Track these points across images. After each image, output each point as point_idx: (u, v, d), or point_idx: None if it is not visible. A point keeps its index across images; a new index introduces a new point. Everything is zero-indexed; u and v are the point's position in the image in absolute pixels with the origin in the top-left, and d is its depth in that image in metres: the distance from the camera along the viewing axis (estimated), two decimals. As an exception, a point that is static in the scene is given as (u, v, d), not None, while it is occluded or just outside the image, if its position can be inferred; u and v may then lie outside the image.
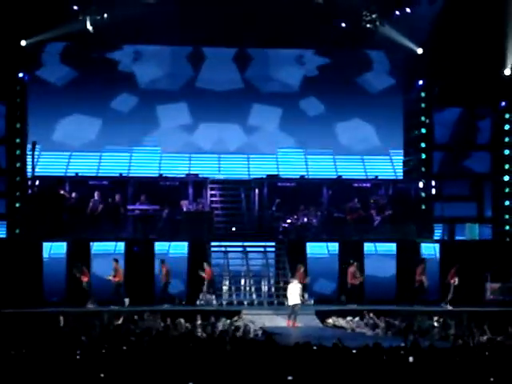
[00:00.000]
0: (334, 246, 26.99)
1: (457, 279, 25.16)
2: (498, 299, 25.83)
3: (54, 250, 26.16)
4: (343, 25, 28.11)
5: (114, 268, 24.77)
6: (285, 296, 24.53)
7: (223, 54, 29.36)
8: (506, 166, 28.67)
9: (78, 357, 13.34)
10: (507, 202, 28.48)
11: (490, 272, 26.06)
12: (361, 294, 25.84)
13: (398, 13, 27.66)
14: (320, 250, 27.40)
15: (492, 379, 11.97)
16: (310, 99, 29.54)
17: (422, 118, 28.90)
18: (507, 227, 28.34)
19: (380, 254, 27.27)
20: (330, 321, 23.33)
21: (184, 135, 29.20)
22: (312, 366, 12.67)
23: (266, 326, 22.05)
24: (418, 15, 27.33)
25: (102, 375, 11.90)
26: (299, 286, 23.33)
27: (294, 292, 23.11)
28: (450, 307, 24.76)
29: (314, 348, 14.20)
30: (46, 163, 28.30)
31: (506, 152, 28.74)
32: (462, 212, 28.71)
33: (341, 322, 23.16)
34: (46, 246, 25.89)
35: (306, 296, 24.83)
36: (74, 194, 26.46)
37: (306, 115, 29.53)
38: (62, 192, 26.37)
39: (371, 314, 22.99)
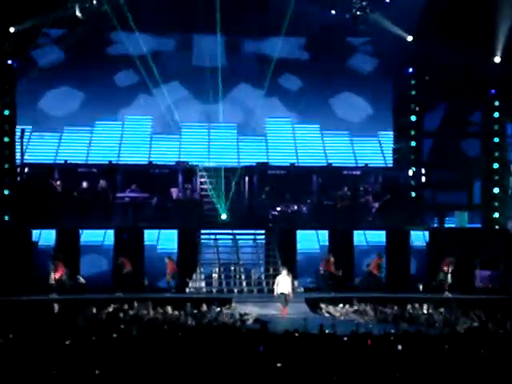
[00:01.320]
0: (324, 235, 27.01)
1: (450, 268, 25.21)
2: (488, 287, 25.92)
3: (44, 237, 26.11)
4: (333, 12, 28.12)
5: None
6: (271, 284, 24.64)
7: (212, 40, 29.26)
8: (496, 154, 28.71)
9: (67, 343, 13.32)
10: (497, 190, 28.52)
11: (480, 259, 26.14)
12: (351, 282, 25.89)
13: (388, 0, 27.65)
14: (310, 238, 27.43)
15: (480, 366, 12.00)
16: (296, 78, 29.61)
17: (412, 106, 28.92)
18: (496, 214, 28.38)
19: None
20: (322, 308, 23.36)
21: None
22: (301, 353, 12.70)
23: (256, 313, 22.05)
24: (409, 3, 27.29)
25: (96, 370, 11.87)
26: (289, 278, 23.35)
27: (283, 283, 23.15)
28: (449, 295, 24.77)
29: (302, 335, 14.24)
30: (35, 149, 28.22)
31: (496, 140, 28.78)
32: (452, 200, 28.79)
33: (331, 309, 23.19)
34: (36, 233, 25.82)
35: (296, 284, 24.83)
36: (58, 183, 26.35)
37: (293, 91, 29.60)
38: (52, 182, 26.26)
39: (356, 302, 23.05)
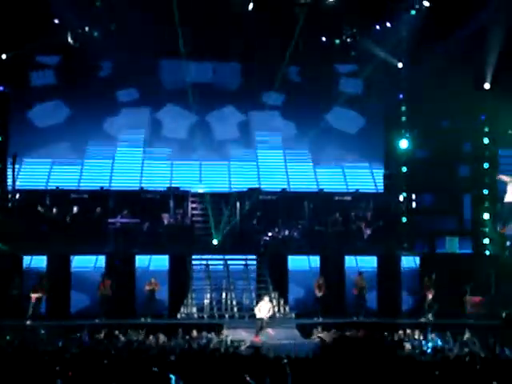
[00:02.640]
0: (316, 260, 27.04)
1: (430, 292, 25.27)
2: (478, 312, 25.94)
3: (34, 263, 26.05)
4: (324, 39, 28.36)
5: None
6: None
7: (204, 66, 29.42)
8: (486, 180, 28.84)
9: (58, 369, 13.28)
10: (487, 216, 28.63)
11: (470, 285, 26.18)
12: (342, 307, 25.89)
13: (378, 27, 27.90)
14: (301, 263, 27.45)
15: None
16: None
17: (403, 131, 29.10)
18: (486, 240, 28.46)
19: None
20: (314, 334, 23.36)
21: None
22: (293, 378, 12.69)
23: (248, 339, 22.03)
24: (398, 30, 27.55)
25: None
26: (270, 304, 23.45)
27: (263, 308, 23.26)
28: (430, 318, 24.83)
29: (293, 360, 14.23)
30: (26, 175, 28.23)
31: (486, 165, 28.93)
32: (442, 225, 28.89)
33: (323, 335, 23.17)
34: (27, 259, 25.78)
35: (288, 309, 24.85)
36: (54, 210, 26.34)
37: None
38: (40, 209, 26.24)
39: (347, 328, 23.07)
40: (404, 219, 28.51)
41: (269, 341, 22.47)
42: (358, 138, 29.87)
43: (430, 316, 25.12)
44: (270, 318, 23.37)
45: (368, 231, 27.26)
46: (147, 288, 24.83)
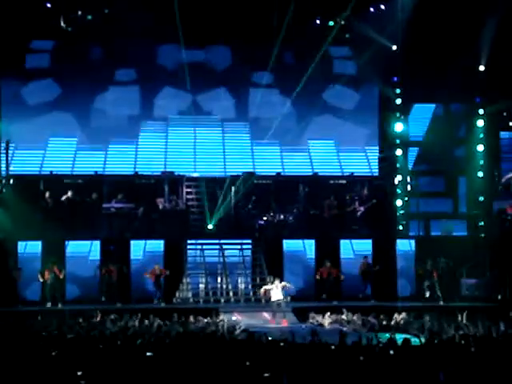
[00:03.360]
0: (311, 244, 27.04)
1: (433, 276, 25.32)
2: (474, 295, 25.99)
3: (29, 248, 26.01)
4: (318, 22, 28.23)
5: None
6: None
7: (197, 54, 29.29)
8: (481, 162, 28.80)
9: (53, 354, 13.26)
10: (481, 198, 28.61)
11: (466, 268, 26.22)
12: (338, 291, 25.91)
13: (372, 10, 27.77)
14: (296, 247, 27.46)
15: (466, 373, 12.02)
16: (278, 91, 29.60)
17: (398, 114, 29.03)
18: (482, 223, 28.46)
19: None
20: (310, 317, 23.38)
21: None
22: (289, 363, 12.67)
23: (243, 323, 22.02)
24: (393, 12, 27.41)
25: (79, 373, 11.83)
26: (281, 284, 23.44)
27: (275, 289, 23.26)
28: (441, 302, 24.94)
29: (290, 344, 14.22)
30: (20, 160, 28.13)
31: (481, 148, 28.87)
32: (438, 208, 28.88)
33: (319, 318, 23.19)
34: (21, 244, 25.74)
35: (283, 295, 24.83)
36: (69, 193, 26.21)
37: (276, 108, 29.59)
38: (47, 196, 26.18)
39: (344, 311, 23.09)
40: (399, 202, 28.47)
41: (265, 324, 22.50)
42: (352, 121, 29.74)
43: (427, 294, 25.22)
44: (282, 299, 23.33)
45: (362, 209, 27.22)
46: (152, 274, 24.82)
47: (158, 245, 26.40)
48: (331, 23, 28.10)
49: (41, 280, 24.53)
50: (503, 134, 29.38)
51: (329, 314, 23.20)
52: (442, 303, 24.87)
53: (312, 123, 29.49)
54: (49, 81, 28.51)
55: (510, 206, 25.74)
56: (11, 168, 26.60)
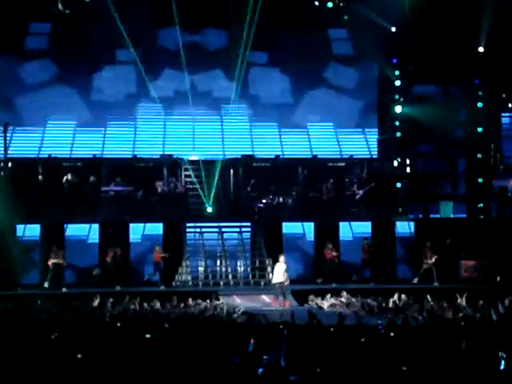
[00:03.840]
0: (310, 226, 27.03)
1: (431, 258, 25.28)
2: (472, 276, 26.02)
3: (28, 232, 26.00)
4: (316, 3, 28.12)
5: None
6: (262, 276, 24.78)
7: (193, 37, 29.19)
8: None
9: (53, 337, 13.26)
10: (481, 180, 28.59)
11: (464, 250, 26.23)
12: (338, 273, 25.91)
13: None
14: (296, 229, 27.45)
15: (463, 353, 12.03)
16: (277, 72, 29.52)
17: (397, 96, 28.94)
18: (481, 205, 28.45)
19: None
20: (309, 300, 23.38)
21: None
22: (288, 345, 12.67)
23: (242, 306, 22.03)
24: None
25: (79, 355, 11.83)
26: (284, 266, 23.37)
27: (278, 271, 23.21)
28: (436, 284, 24.91)
29: (289, 327, 14.22)
30: (18, 143, 28.08)
31: (480, 130, 28.83)
32: (437, 190, 28.88)
33: (318, 301, 23.20)
34: (20, 228, 25.71)
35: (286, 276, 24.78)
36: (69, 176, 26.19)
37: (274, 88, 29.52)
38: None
39: (344, 294, 23.11)
40: (398, 184, 28.44)
41: (265, 307, 22.50)
42: (352, 103, 29.69)
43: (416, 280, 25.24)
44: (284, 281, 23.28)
45: (360, 192, 27.20)
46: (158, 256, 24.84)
47: (157, 228, 26.37)
48: (330, 5, 27.98)
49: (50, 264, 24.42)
50: (503, 116, 29.33)
51: (328, 296, 23.20)
52: (436, 285, 24.84)
53: (311, 105, 29.43)
54: (46, 61, 28.45)
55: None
56: (9, 151, 26.53)
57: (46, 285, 24.19)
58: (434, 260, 25.27)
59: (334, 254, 25.42)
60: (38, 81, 28.43)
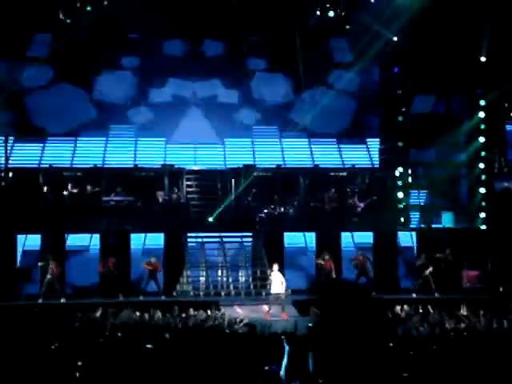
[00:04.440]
0: (312, 237, 26.92)
1: (427, 269, 25.17)
2: (475, 287, 25.94)
3: (29, 242, 25.91)
4: (318, 13, 28.16)
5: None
6: (263, 286, 24.68)
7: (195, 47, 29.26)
8: (482, 154, 28.72)
9: (53, 347, 13.20)
10: (483, 190, 28.53)
11: (467, 260, 26.14)
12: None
13: (373, 1, 27.68)
14: (297, 240, 27.35)
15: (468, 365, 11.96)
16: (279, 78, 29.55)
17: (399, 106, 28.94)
18: (483, 215, 28.38)
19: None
20: (311, 311, 23.24)
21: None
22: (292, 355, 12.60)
23: (243, 317, 21.92)
24: (394, 2, 27.33)
25: (80, 363, 11.78)
26: (279, 274, 23.27)
27: (275, 281, 23.11)
28: (437, 295, 24.79)
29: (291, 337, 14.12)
30: (19, 153, 28.07)
31: (482, 139, 28.78)
32: (439, 200, 28.83)
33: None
34: (21, 238, 25.63)
35: (285, 285, 24.66)
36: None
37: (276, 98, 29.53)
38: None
39: None
40: (400, 194, 28.38)
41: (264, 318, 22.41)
42: (353, 113, 29.70)
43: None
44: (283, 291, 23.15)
45: (362, 205, 27.13)
46: (147, 267, 24.66)
47: (158, 238, 26.29)
48: (331, 14, 28.02)
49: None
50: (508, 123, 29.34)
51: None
52: (437, 295, 24.73)
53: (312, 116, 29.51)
54: (47, 68, 28.54)
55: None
56: (10, 161, 26.51)
57: (40, 300, 23.90)
58: (428, 271, 25.14)
59: (321, 262, 25.19)
60: (37, 86, 28.46)
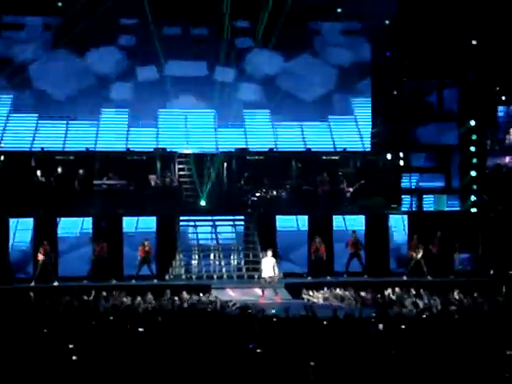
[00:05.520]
0: (304, 220, 26.98)
1: (419, 252, 25.22)
2: (467, 269, 26.07)
3: (21, 225, 25.91)
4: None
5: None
6: (256, 269, 24.74)
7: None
8: (474, 137, 28.76)
9: (45, 331, 13.23)
10: (474, 173, 28.59)
11: (459, 242, 26.25)
12: (330, 267, 25.89)
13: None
14: (289, 223, 27.41)
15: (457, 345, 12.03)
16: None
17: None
18: (474, 198, 28.44)
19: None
20: (303, 294, 23.37)
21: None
22: (282, 338, 12.65)
23: (236, 300, 22.00)
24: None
25: (71, 346, 11.81)
26: (273, 260, 23.36)
27: (267, 265, 23.18)
28: (429, 278, 24.89)
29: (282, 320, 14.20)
30: (11, 135, 28.02)
31: (473, 123, 28.81)
32: (430, 183, 28.88)
33: (312, 294, 23.20)
34: (13, 221, 25.63)
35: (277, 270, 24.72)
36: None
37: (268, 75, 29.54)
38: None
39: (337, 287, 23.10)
40: (392, 178, 28.41)
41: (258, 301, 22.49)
42: (345, 97, 29.69)
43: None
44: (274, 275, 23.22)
45: (350, 189, 27.17)
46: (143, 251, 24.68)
47: (150, 221, 26.31)
48: None
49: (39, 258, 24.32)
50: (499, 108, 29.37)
51: (324, 289, 23.18)
52: (429, 278, 24.83)
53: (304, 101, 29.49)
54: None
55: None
56: (1, 145, 26.45)
57: (32, 283, 23.92)
58: (420, 254, 25.24)
59: (315, 247, 25.33)
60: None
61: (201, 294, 22.35)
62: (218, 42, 28.45)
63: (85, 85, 28.60)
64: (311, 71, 29.49)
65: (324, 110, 29.60)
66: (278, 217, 26.57)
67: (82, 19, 27.12)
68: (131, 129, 28.94)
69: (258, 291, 23.64)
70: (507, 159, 28.37)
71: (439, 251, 25.51)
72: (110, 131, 28.80)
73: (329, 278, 25.03)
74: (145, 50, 28.58)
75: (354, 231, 26.12)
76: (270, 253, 23.49)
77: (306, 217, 26.69)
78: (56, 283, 23.95)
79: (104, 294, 21.62)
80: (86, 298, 21.16)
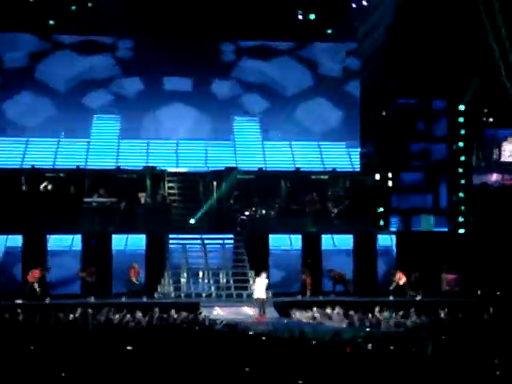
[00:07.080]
0: (296, 239, 27.05)
1: (400, 280, 25.40)
2: (454, 290, 26.16)
3: (10, 242, 25.91)
4: (300, 17, 28.34)
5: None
6: (244, 288, 24.79)
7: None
8: (462, 158, 28.95)
9: (32, 348, 13.24)
10: (462, 194, 28.75)
11: (446, 263, 26.35)
12: (318, 286, 25.95)
13: (354, 5, 27.87)
14: (281, 242, 27.45)
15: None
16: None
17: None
18: (461, 218, 28.60)
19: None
20: (292, 313, 23.40)
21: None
22: (271, 357, 12.72)
23: (224, 318, 22.03)
24: (374, 9, 27.55)
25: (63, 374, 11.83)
26: (266, 280, 23.42)
27: (260, 286, 23.24)
28: (419, 297, 25.02)
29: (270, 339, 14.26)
30: (1, 154, 28.10)
31: (461, 144, 29.02)
32: (418, 203, 29.03)
33: (299, 314, 23.24)
34: (2, 238, 25.62)
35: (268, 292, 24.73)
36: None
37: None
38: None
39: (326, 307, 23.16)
40: (380, 198, 28.55)
41: (247, 319, 22.52)
42: (334, 117, 29.92)
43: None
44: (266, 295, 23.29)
45: (335, 210, 27.31)
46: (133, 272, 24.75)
47: (140, 239, 26.33)
48: (312, 16, 28.22)
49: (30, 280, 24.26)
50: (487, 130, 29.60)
51: (314, 309, 23.24)
52: (419, 298, 24.95)
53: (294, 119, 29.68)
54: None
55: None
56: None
57: (19, 301, 23.81)
58: (402, 282, 25.38)
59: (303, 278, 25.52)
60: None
61: (189, 312, 22.36)
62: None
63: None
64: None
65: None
66: (271, 236, 26.59)
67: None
68: (121, 147, 29.07)
69: (247, 310, 23.67)
70: (494, 177, 28.51)
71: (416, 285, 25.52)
72: (101, 148, 28.96)
73: (321, 297, 25.09)
74: (135, 64, 28.84)
75: (330, 270, 26.05)
76: (264, 275, 23.56)
77: (299, 236, 26.77)
78: (47, 300, 23.92)
79: (91, 311, 21.62)
80: (74, 315, 21.15)
